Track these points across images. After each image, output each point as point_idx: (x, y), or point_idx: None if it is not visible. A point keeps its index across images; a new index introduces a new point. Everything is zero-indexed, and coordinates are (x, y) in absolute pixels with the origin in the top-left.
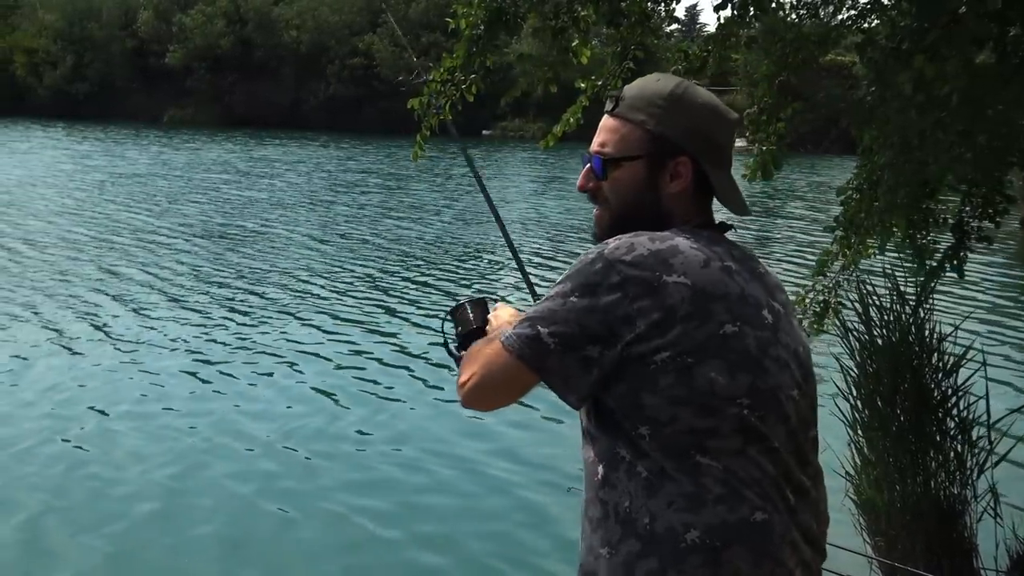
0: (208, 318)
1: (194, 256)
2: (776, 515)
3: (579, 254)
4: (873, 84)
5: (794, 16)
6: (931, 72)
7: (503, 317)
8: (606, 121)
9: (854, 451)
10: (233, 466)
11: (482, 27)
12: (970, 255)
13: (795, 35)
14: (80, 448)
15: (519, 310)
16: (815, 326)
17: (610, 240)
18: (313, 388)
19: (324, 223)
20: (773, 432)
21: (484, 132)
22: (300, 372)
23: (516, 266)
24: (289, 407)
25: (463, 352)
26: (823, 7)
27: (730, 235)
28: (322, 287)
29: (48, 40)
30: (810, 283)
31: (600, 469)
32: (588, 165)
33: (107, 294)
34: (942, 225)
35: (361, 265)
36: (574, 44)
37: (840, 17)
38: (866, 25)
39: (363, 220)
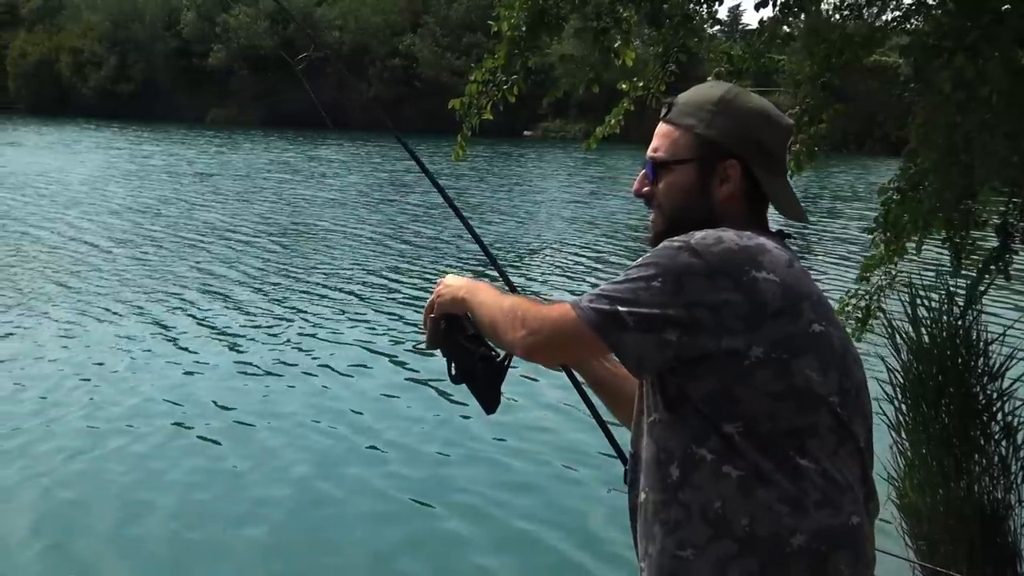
0: (315, 315)
1: (272, 253)
2: (864, 517)
3: (637, 253)
4: (912, 82)
5: (838, 16)
6: (970, 72)
7: (455, 283)
8: (660, 127)
9: (897, 454)
10: (375, 469)
11: (523, 28)
12: (1019, 257)
13: (839, 35)
14: (210, 443)
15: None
16: (857, 331)
17: (696, 232)
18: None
19: (394, 223)
20: (859, 432)
21: (525, 133)
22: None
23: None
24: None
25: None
26: (867, 7)
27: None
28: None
29: (93, 41)
30: (854, 287)
31: (674, 471)
32: (643, 170)
33: (209, 292)
34: (981, 225)
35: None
36: (616, 45)
37: (885, 17)
38: (910, 26)
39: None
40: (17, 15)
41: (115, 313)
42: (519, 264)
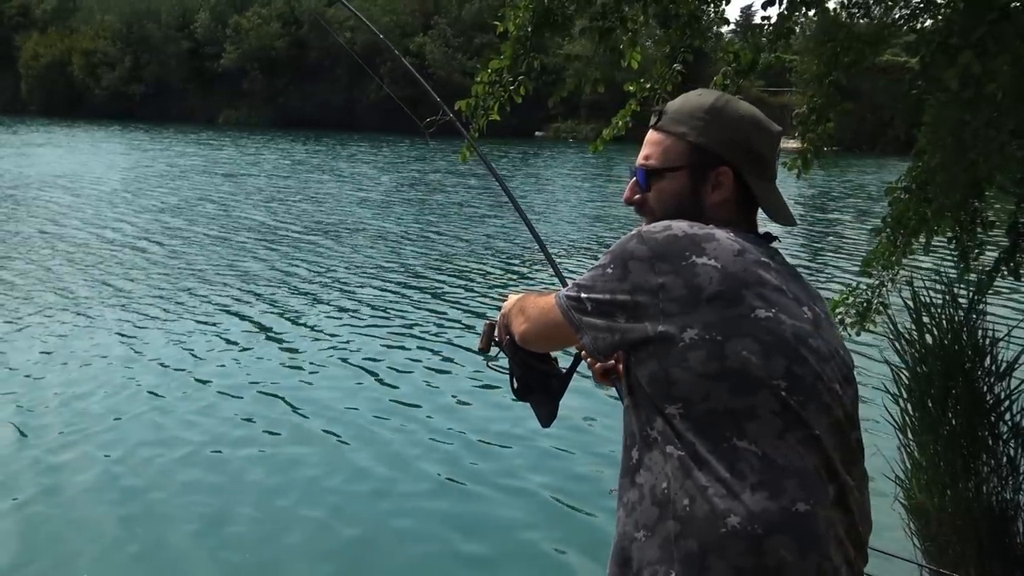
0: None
1: (331, 251)
2: (819, 507)
3: None
4: (920, 79)
5: (845, 16)
6: (977, 68)
7: (507, 302)
8: (650, 135)
9: (904, 455)
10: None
11: (530, 28)
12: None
13: (846, 35)
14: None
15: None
16: (856, 326)
17: (654, 223)
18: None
19: (420, 222)
20: (814, 421)
21: (537, 133)
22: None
23: (560, 260)
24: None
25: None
26: (875, 6)
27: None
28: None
29: (106, 42)
30: (855, 282)
31: (635, 453)
32: (634, 178)
33: (260, 292)
34: (987, 226)
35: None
36: (622, 46)
37: (893, 16)
38: (919, 25)
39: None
40: (31, 17)
41: (169, 312)
42: (513, 260)
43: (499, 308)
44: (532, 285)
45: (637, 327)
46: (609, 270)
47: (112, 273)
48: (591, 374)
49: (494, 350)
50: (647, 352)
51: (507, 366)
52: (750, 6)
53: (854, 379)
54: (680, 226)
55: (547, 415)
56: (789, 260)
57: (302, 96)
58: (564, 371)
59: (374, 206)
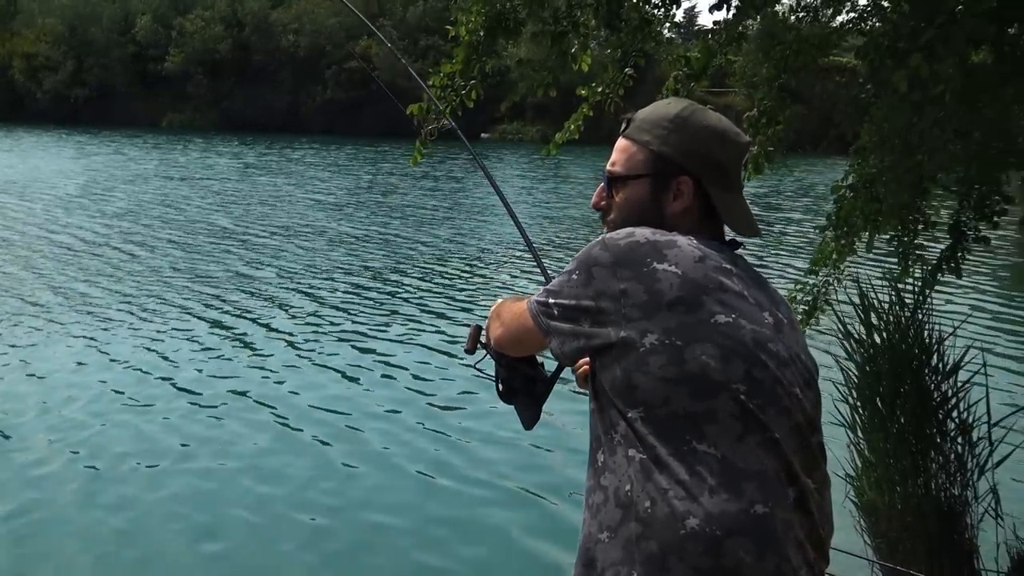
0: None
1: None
2: (778, 510)
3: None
4: (868, 82)
5: (793, 18)
6: (926, 71)
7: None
8: (619, 142)
9: (855, 453)
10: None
11: (482, 33)
12: (970, 256)
13: (795, 38)
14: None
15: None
16: (803, 323)
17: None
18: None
19: (394, 223)
20: (774, 424)
21: (483, 135)
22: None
23: (533, 261)
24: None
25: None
26: (823, 9)
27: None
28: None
29: (48, 45)
30: (803, 280)
31: (600, 456)
32: (602, 184)
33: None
34: (931, 227)
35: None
36: (573, 50)
37: (840, 19)
38: (866, 27)
39: (412, 221)
40: None
41: (138, 317)
42: (469, 264)
43: (469, 310)
44: (502, 286)
45: (601, 332)
46: (575, 276)
47: (76, 279)
48: (575, 379)
49: (480, 352)
50: (610, 357)
51: (493, 369)
52: (694, 7)
53: (815, 383)
54: (643, 233)
55: (530, 418)
56: (748, 261)
57: (246, 99)
58: (549, 375)
59: (332, 209)
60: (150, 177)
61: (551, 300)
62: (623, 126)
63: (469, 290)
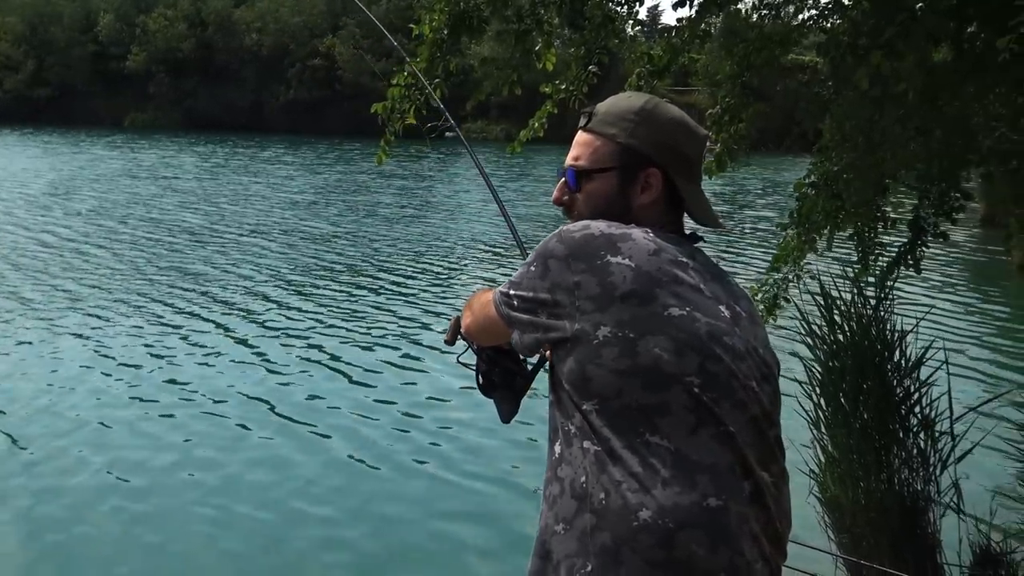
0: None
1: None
2: (732, 503)
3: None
4: (829, 79)
5: (756, 16)
6: (887, 69)
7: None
8: (580, 136)
9: (818, 449)
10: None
11: (445, 31)
12: (932, 251)
13: (757, 35)
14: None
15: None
16: (765, 319)
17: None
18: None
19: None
20: (729, 417)
21: (448, 134)
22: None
23: (515, 255)
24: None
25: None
26: (785, 7)
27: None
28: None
29: (8, 44)
30: (764, 276)
31: (557, 448)
32: (563, 179)
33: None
34: (890, 225)
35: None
36: (537, 48)
37: (801, 17)
38: (828, 25)
39: (372, 220)
40: None
41: (125, 316)
42: (442, 261)
43: (450, 303)
44: (484, 280)
45: (556, 324)
46: (533, 268)
47: (60, 277)
48: None
49: (462, 345)
50: (565, 349)
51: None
52: (657, 5)
53: (774, 378)
54: (598, 226)
55: (508, 412)
56: (707, 255)
57: (209, 98)
58: (530, 369)
59: (307, 207)
60: (120, 176)
61: (512, 291)
62: (583, 120)
63: (452, 284)
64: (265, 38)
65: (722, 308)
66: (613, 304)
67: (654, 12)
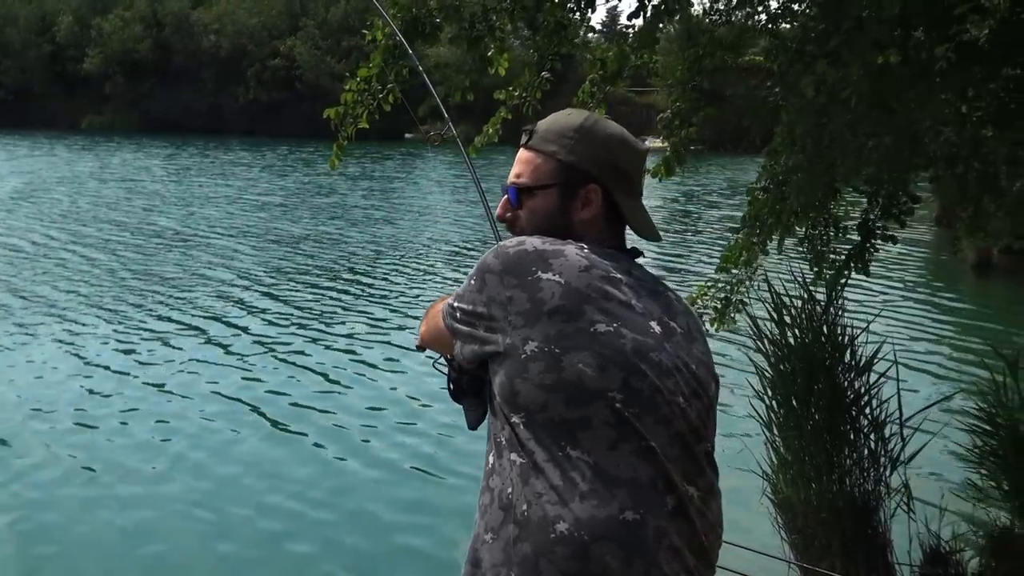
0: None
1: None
2: (650, 517)
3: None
4: (776, 85)
5: (708, 20)
6: (832, 76)
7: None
8: (521, 153)
9: (771, 451)
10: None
11: (398, 36)
12: (886, 253)
13: (708, 39)
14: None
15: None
16: (716, 323)
17: (512, 238)
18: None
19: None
20: (651, 433)
21: (406, 136)
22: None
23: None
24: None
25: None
26: (736, 11)
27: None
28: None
29: None
30: (715, 279)
31: (491, 459)
32: (505, 196)
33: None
34: (841, 229)
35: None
36: (490, 53)
37: (751, 22)
38: (778, 28)
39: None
40: None
41: (104, 319)
42: (413, 262)
43: (420, 306)
44: (454, 280)
45: (491, 337)
46: (473, 282)
47: (32, 282)
48: None
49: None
50: (498, 362)
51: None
52: (616, 7)
53: (706, 395)
54: (533, 242)
55: (475, 419)
56: (660, 262)
57: (167, 100)
58: None
59: (275, 209)
60: (87, 179)
61: (456, 304)
62: (524, 138)
63: (425, 285)
64: (223, 39)
65: (653, 324)
66: (541, 319)
67: (613, 13)
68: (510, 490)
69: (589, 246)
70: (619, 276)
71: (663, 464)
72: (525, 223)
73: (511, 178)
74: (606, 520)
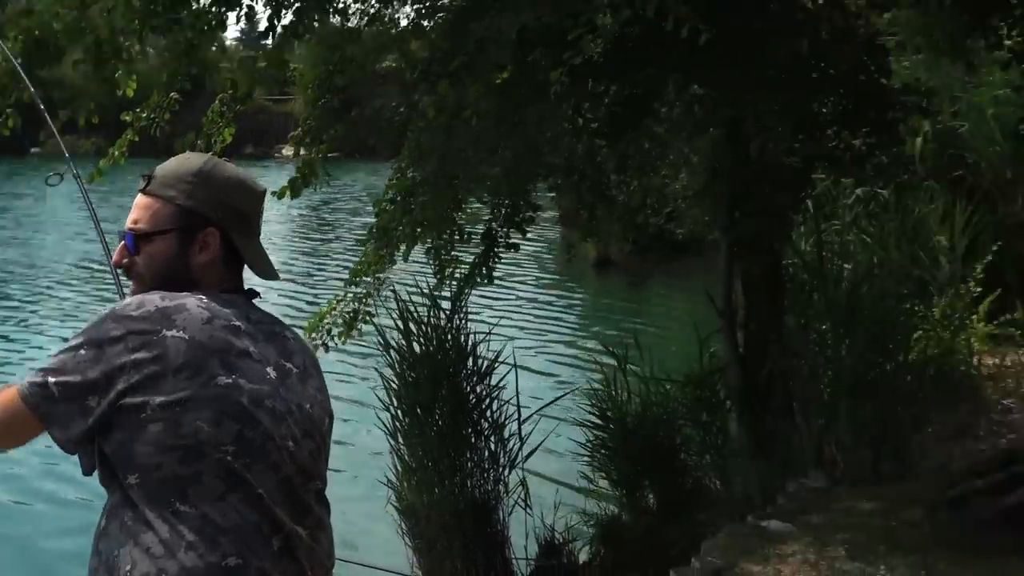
0: None
1: None
2: (254, 559)
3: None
4: (401, 105)
5: (340, 35)
6: (453, 98)
7: None
8: (139, 199)
9: (396, 459)
10: None
11: (19, 59)
12: (513, 257)
13: (340, 58)
14: None
15: None
16: (344, 335)
17: (126, 298)
18: None
19: None
20: (259, 480)
21: (33, 150)
22: None
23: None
24: None
25: None
26: (367, 27)
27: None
28: None
29: None
30: (344, 292)
31: (102, 521)
32: (123, 242)
33: None
34: (463, 235)
35: None
36: (117, 75)
37: (383, 39)
38: (406, 47)
39: None
40: None
41: None
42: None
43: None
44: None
45: (106, 403)
46: (82, 352)
47: None
48: None
49: None
50: (113, 425)
51: None
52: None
53: (318, 431)
54: (152, 300)
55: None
56: (306, 271)
57: None
58: None
59: None
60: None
61: (51, 379)
62: (142, 183)
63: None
64: None
65: (269, 370)
66: (166, 379)
67: (250, 14)
68: (115, 552)
69: (208, 295)
70: (239, 324)
71: (270, 508)
72: (143, 269)
73: (129, 223)
74: (208, 567)
